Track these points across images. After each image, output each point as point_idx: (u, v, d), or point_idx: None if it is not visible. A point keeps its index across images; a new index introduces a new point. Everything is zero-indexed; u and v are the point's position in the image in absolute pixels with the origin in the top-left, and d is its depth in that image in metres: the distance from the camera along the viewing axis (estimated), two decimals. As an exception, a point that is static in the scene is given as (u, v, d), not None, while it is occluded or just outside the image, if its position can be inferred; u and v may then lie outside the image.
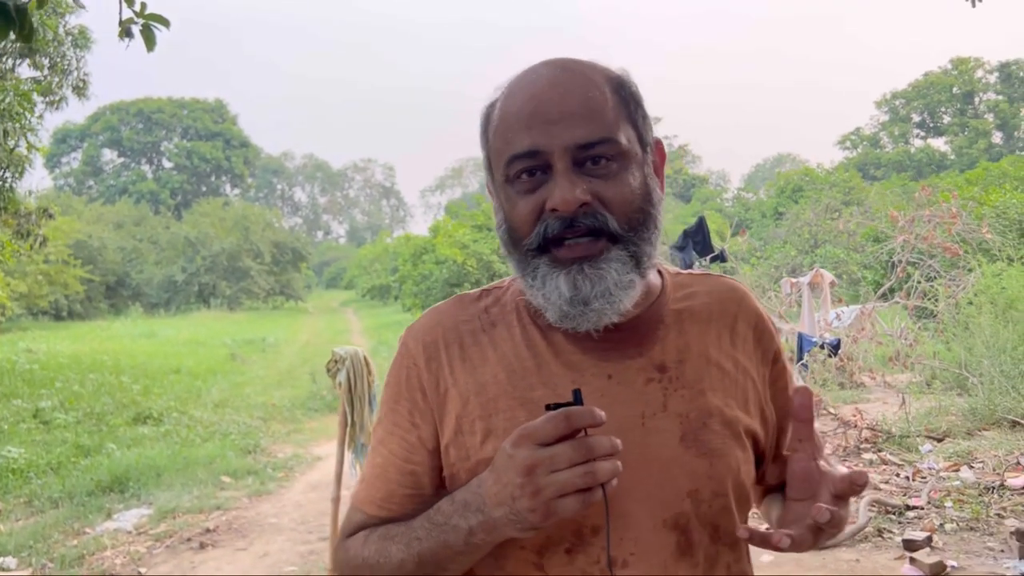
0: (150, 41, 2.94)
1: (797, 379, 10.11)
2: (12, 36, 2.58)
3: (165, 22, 2.91)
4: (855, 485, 0.89)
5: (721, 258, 12.94)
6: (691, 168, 67.19)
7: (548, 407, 0.83)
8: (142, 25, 2.90)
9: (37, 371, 13.86)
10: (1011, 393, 7.18)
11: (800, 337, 10.80)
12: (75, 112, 68.54)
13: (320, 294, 56.42)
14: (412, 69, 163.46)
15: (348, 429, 3.94)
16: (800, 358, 10.48)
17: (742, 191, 55.75)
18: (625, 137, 0.96)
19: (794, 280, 11.93)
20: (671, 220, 36.55)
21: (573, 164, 0.93)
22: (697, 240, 12.31)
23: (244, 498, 6.88)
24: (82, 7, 2.64)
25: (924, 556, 4.38)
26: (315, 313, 39.54)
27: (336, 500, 3.91)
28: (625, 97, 0.99)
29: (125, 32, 2.88)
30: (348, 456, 4.00)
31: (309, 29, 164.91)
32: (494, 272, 20.99)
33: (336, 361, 4.00)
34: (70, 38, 17.15)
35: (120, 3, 2.83)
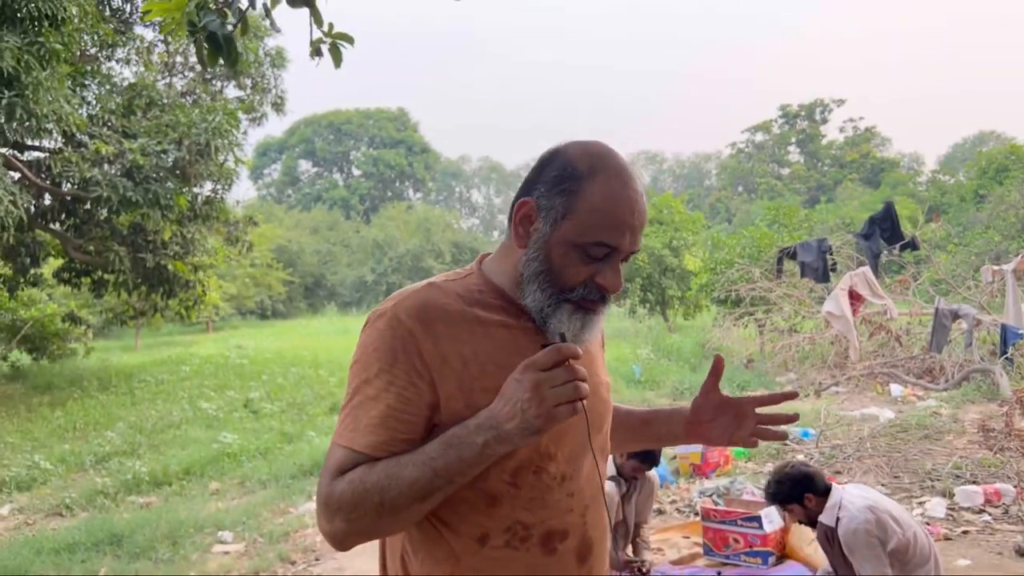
0: (337, 59, 3.20)
1: (1000, 376, 9.29)
2: (220, 63, 2.92)
3: (350, 40, 3.17)
4: (783, 419, 1.53)
5: (912, 246, 12.04)
6: (879, 151, 62.74)
7: (543, 346, 1.17)
8: (330, 44, 3.17)
9: (247, 365, 15.28)
10: None
11: (1004, 329, 9.86)
12: (274, 127, 74.39)
13: (497, 292, 57.66)
14: (581, 71, 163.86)
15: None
16: (1004, 351, 9.59)
17: (938, 174, 51.41)
18: None
19: (996, 267, 10.91)
20: (856, 207, 34.40)
21: (623, 257, 1.30)
22: (885, 227, 11.52)
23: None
24: (278, 31, 2.89)
25: None
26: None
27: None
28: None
29: (315, 51, 3.16)
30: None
31: (479, 37, 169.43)
32: (666, 266, 20.67)
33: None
34: (268, 59, 18.69)
35: (311, 25, 3.11)
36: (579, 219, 1.25)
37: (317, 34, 3.18)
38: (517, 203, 1.32)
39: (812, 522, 3.82)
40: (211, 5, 3.01)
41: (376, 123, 70.93)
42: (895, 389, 10.11)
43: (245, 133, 14.60)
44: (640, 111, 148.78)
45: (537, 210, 1.29)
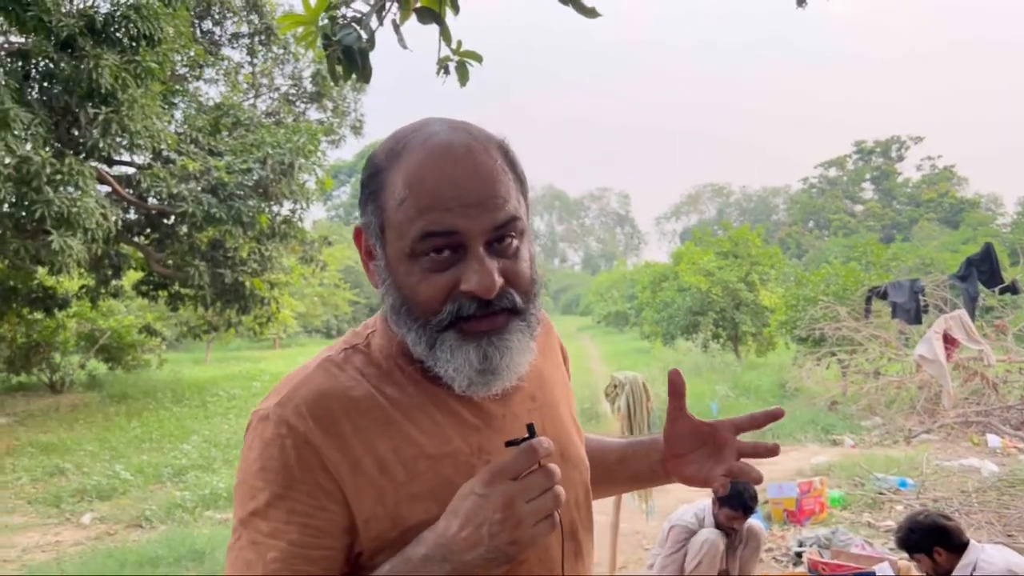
0: (463, 76, 3.11)
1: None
2: (353, 77, 2.85)
3: (479, 58, 3.08)
4: (764, 450, 1.17)
5: (1012, 290, 11.47)
6: (958, 191, 60.95)
7: (508, 444, 0.92)
8: (457, 62, 3.08)
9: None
10: None
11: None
12: (344, 151, 75.96)
13: (557, 319, 57.57)
14: (643, 99, 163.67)
15: (628, 455, 3.91)
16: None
17: (1022, 215, 49.51)
18: (521, 212, 0.98)
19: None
20: (938, 247, 33.31)
21: (485, 245, 0.93)
22: (983, 270, 11.00)
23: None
24: (406, 48, 2.81)
25: None
26: (554, 338, 40.35)
27: (614, 526, 3.88)
28: (514, 167, 1.00)
29: (443, 68, 3.07)
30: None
31: (542, 64, 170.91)
32: (740, 300, 20.20)
33: (616, 386, 3.99)
34: (350, 82, 19.08)
35: (439, 42, 3.02)
36: (397, 222, 0.95)
37: (445, 51, 3.10)
38: (355, 235, 1.04)
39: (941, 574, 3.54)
40: (339, 20, 2.95)
41: (442, 147, 71.91)
42: (992, 440, 9.56)
43: (324, 154, 14.82)
44: (704, 143, 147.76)
45: (366, 233, 1.01)
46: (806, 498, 6.36)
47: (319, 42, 2.77)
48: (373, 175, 0.98)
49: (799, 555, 5.34)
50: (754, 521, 4.48)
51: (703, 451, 1.18)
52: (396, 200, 0.94)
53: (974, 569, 3.38)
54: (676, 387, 1.17)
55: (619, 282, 41.55)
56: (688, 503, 6.31)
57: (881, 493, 7.03)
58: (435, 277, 0.94)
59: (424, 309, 0.95)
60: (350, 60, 2.73)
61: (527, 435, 0.91)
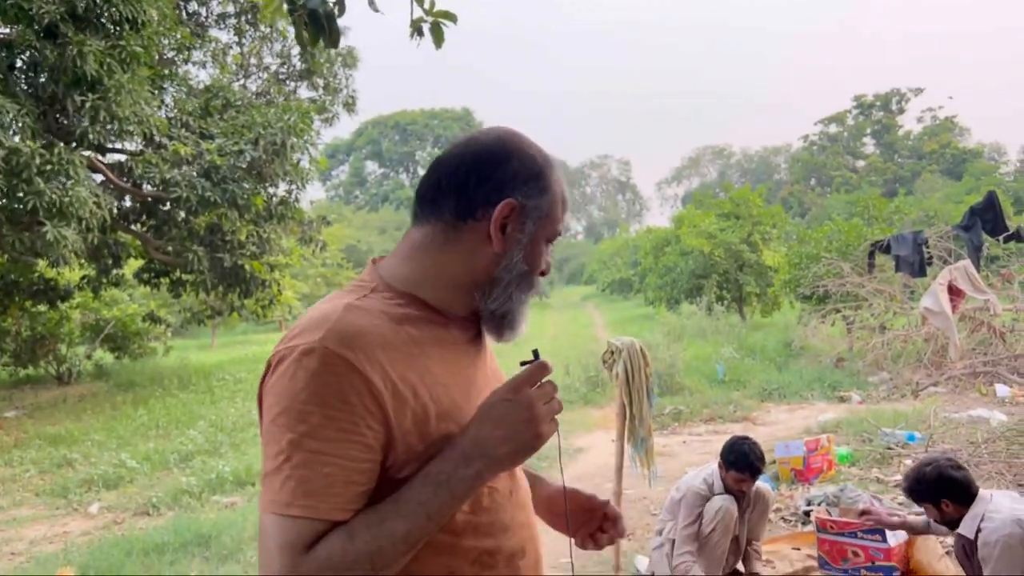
0: (439, 38, 3.00)
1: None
2: (321, 42, 2.74)
3: (453, 18, 2.96)
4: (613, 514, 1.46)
5: (1017, 237, 11.32)
6: (960, 141, 60.33)
7: (523, 363, 1.17)
8: (431, 23, 2.96)
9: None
10: None
11: None
12: (341, 129, 75.56)
13: (561, 290, 57.52)
14: (634, 68, 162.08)
15: (627, 422, 3.83)
16: None
17: (1026, 163, 49.08)
18: None
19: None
20: (941, 199, 33.06)
21: None
22: (987, 219, 10.84)
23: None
24: (377, 11, 2.70)
25: None
26: (558, 308, 40.36)
27: (617, 494, 3.82)
28: None
29: (416, 31, 2.96)
30: (627, 449, 3.89)
31: (536, 39, 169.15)
32: (743, 262, 20.05)
33: (613, 352, 3.91)
34: (340, 59, 18.83)
35: (411, 3, 2.90)
36: (553, 213, 1.26)
37: (419, 12, 2.98)
38: (501, 204, 1.20)
39: (950, 524, 3.47)
40: (307, -15, 2.83)
41: (441, 123, 71.43)
42: (1001, 390, 9.49)
43: (318, 133, 14.65)
44: (703, 107, 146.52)
45: (522, 211, 1.22)
46: (813, 456, 6.31)
47: (284, 6, 2.66)
48: (542, 173, 1.25)
49: (807, 514, 5.29)
50: (762, 483, 4.41)
51: (577, 513, 1.46)
52: (555, 198, 1.26)
53: (981, 520, 3.31)
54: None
55: (622, 249, 41.39)
56: (693, 467, 6.28)
57: (889, 448, 6.98)
58: (545, 259, 1.28)
59: (536, 281, 1.27)
60: (316, 24, 2.62)
61: (534, 357, 1.17)
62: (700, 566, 4.09)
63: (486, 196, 1.21)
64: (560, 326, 28.03)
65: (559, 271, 63.68)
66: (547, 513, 1.47)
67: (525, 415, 1.10)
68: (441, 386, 1.16)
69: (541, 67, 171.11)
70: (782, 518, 5.50)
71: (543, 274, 1.28)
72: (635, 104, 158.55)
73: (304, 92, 18.05)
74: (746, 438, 4.31)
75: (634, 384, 3.86)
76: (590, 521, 1.45)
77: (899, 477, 6.02)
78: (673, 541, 4.22)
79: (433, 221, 1.23)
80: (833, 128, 66.01)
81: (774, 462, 6.45)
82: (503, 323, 1.25)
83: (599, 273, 43.30)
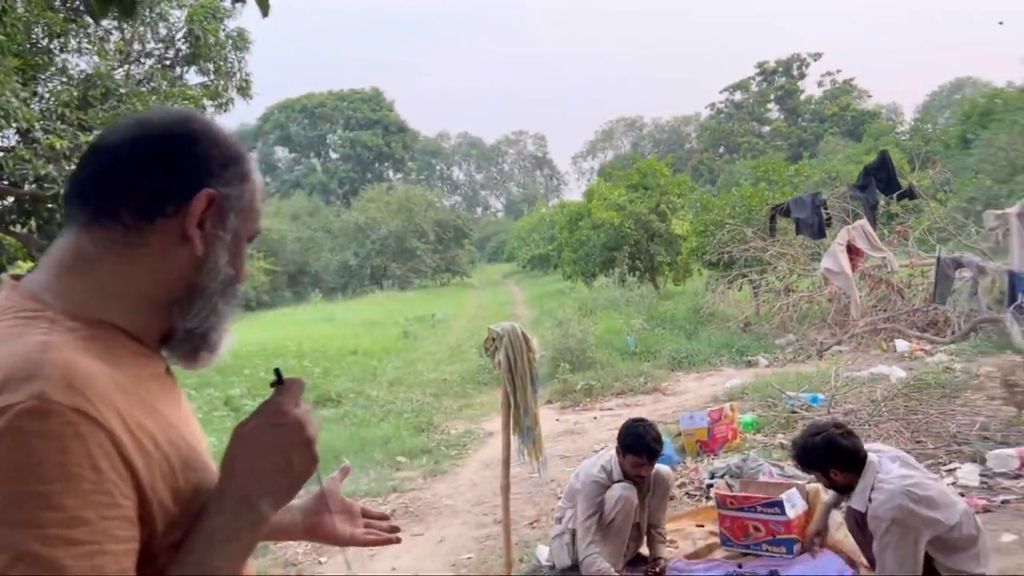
0: (264, 6, 2.68)
1: (1012, 325, 8.88)
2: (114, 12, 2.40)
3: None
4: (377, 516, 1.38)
5: (910, 195, 11.64)
6: (859, 103, 62.41)
7: (272, 384, 1.03)
8: (253, -10, 2.64)
9: (228, 360, 14.67)
10: None
11: (1011, 276, 9.47)
12: (246, 115, 73.01)
13: (483, 268, 57.33)
14: (547, 36, 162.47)
15: (512, 411, 3.63)
16: (1013, 299, 9.20)
17: (919, 122, 51.11)
18: None
19: (1000, 212, 10.50)
20: (842, 160, 34.02)
21: None
22: (880, 178, 11.10)
23: (419, 478, 6.82)
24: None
25: None
26: (480, 287, 40.22)
27: (505, 488, 3.62)
28: None
29: (236, -1, 2.63)
30: (514, 440, 3.69)
31: (443, 18, 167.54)
32: (653, 232, 20.18)
33: (493, 339, 3.70)
34: (230, 41, 17.99)
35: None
36: (255, 205, 1.08)
37: (237, -22, 2.66)
38: (197, 196, 0.98)
39: (840, 491, 3.43)
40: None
41: (350, 105, 69.87)
42: (901, 345, 9.73)
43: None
44: (615, 78, 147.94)
45: (223, 203, 1.01)
46: (717, 426, 6.27)
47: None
48: (240, 157, 1.05)
49: (711, 487, 5.23)
50: (662, 466, 4.29)
51: (342, 515, 1.32)
52: (256, 189, 1.07)
53: (872, 491, 3.24)
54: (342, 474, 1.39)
55: (539, 225, 41.38)
56: (603, 444, 6.16)
57: (794, 412, 7.01)
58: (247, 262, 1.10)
59: (238, 284, 1.07)
60: (105, -7, 2.27)
61: (278, 377, 1.03)
62: (603, 555, 3.94)
63: (178, 187, 0.98)
64: (481, 304, 27.88)
65: (480, 249, 63.51)
66: (311, 527, 1.30)
67: (299, 439, 0.99)
68: (173, 429, 0.97)
69: (450, 47, 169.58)
70: (687, 493, 5.43)
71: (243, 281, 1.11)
72: (549, 80, 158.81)
73: (194, 77, 17.19)
74: (642, 420, 4.18)
75: (517, 370, 3.66)
76: (354, 519, 1.34)
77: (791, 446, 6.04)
78: (574, 532, 4.07)
79: (105, 224, 0.97)
80: (738, 95, 67.34)
81: (679, 434, 6.40)
82: (202, 344, 1.04)
83: (519, 250, 43.24)
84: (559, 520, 4.28)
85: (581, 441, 7.37)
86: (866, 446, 3.44)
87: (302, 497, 1.21)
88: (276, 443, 0.98)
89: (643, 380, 9.75)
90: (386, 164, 73.44)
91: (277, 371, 1.05)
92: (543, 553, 4.47)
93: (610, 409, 8.79)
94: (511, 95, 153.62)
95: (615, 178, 23.66)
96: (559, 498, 5.57)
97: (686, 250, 16.59)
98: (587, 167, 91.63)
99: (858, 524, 3.41)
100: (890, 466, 3.32)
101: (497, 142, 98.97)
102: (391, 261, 42.33)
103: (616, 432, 4.15)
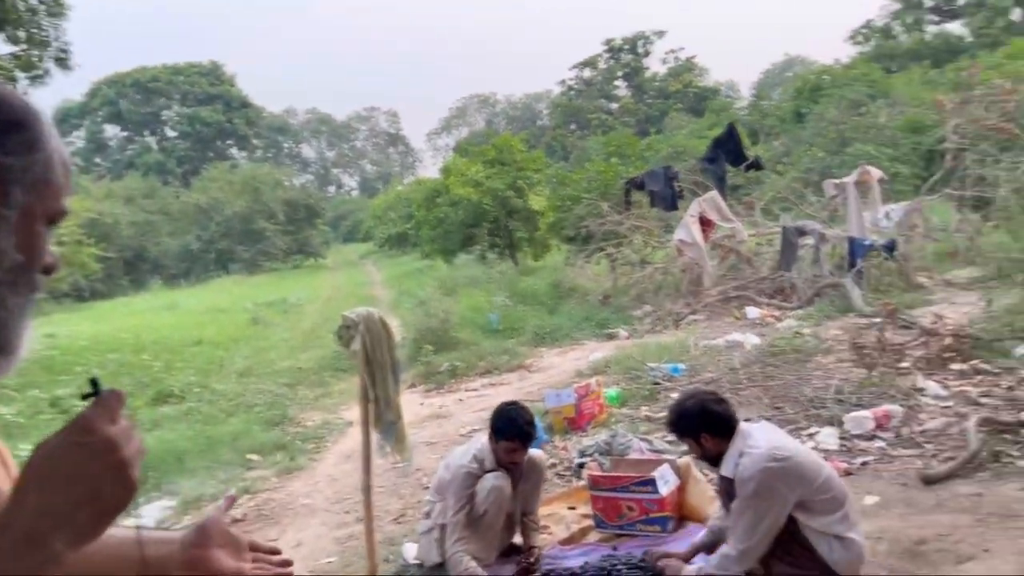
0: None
1: (852, 289, 9.37)
2: None
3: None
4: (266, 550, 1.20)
5: (756, 166, 12.09)
6: (700, 80, 65.19)
7: (84, 396, 0.86)
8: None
9: (56, 357, 13.44)
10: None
11: (851, 242, 10.00)
12: (71, 90, 67.23)
13: (339, 249, 55.83)
14: (401, 8, 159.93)
15: (371, 405, 3.29)
16: (853, 264, 9.72)
17: (755, 99, 53.91)
18: None
19: (838, 181, 11.08)
20: (687, 135, 35.33)
21: None
22: (728, 149, 11.45)
23: (273, 477, 6.36)
24: None
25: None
26: (335, 268, 39.10)
27: (366, 489, 3.29)
28: None
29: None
30: (375, 437, 3.36)
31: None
32: (511, 208, 20.15)
33: (348, 327, 3.33)
34: (44, 8, 16.31)
35: None
36: (51, 179, 0.93)
37: None
38: None
39: (710, 460, 3.39)
40: None
41: (187, 79, 65.82)
42: (752, 312, 10.06)
43: (26, 94, 12.53)
44: (467, 54, 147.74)
45: (3, 174, 0.89)
46: (584, 402, 6.16)
47: None
48: (24, 122, 0.89)
49: (582, 467, 5.10)
50: (535, 451, 4.09)
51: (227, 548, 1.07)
52: (53, 160, 0.92)
53: (740, 456, 3.21)
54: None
55: (395, 203, 40.63)
56: (470, 427, 5.89)
57: (656, 383, 7.03)
58: (46, 246, 0.94)
59: (30, 268, 0.92)
60: None
61: (93, 387, 0.86)
62: (474, 550, 3.69)
63: None
64: (336, 286, 27.05)
65: (334, 229, 61.83)
66: (191, 561, 1.05)
67: (111, 462, 0.80)
68: None
69: (298, 19, 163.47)
70: (556, 474, 5.27)
71: (48, 272, 0.94)
72: (402, 55, 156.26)
73: (2, 47, 15.49)
74: (514, 403, 3.96)
75: (376, 360, 3.32)
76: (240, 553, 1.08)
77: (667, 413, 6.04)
78: (443, 526, 3.79)
79: None
80: (587, 72, 68.65)
81: (547, 413, 6.25)
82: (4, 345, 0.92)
83: (375, 229, 42.36)
84: (427, 515, 3.99)
85: (447, 425, 7.10)
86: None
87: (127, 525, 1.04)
88: (80, 467, 0.80)
89: (507, 358, 9.60)
90: (229, 142, 69.94)
91: (93, 380, 0.90)
92: (410, 551, 4.17)
93: (475, 390, 8.58)
94: (362, 71, 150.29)
95: (471, 154, 23.43)
96: (426, 488, 5.28)
97: (544, 226, 16.63)
98: (442, 144, 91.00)
99: (727, 493, 3.37)
100: (760, 435, 3.31)
101: (348, 118, 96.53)
102: (237, 244, 40.42)
103: (483, 413, 3.90)
